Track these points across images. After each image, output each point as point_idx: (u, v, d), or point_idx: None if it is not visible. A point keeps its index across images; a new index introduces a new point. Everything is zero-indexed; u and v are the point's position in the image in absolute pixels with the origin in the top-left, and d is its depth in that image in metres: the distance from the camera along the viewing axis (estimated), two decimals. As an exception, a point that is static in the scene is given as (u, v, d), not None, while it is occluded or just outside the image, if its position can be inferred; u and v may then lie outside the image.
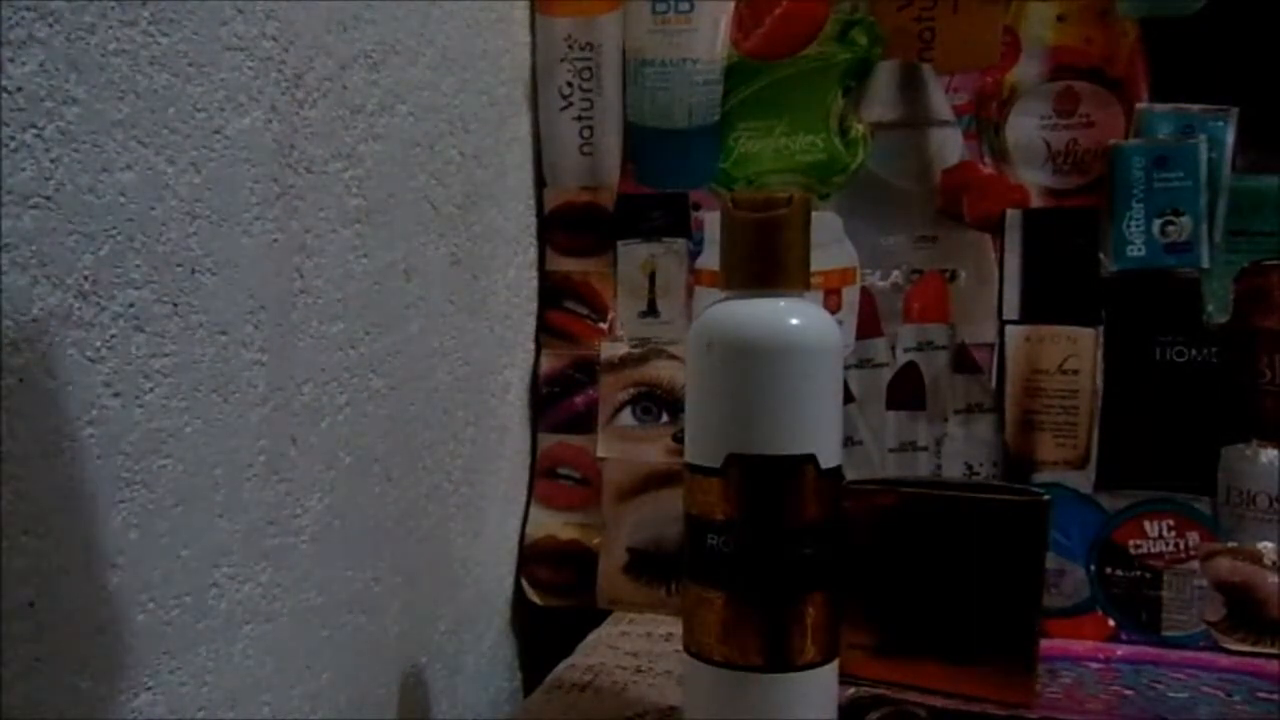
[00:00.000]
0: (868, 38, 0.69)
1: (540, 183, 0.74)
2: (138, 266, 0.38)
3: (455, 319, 0.62)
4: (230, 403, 0.43)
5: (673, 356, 0.72)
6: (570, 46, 0.73)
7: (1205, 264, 0.64)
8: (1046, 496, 0.48)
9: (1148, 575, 0.65)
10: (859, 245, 0.70)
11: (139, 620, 0.39)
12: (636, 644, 0.66)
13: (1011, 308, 0.67)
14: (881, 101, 0.69)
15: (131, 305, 0.38)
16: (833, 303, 0.70)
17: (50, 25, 0.34)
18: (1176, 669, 0.60)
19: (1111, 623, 0.65)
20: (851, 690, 0.51)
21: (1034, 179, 0.67)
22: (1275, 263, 0.63)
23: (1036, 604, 0.49)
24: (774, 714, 0.46)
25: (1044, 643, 0.50)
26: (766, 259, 0.46)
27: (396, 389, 0.56)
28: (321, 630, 0.50)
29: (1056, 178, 0.67)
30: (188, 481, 0.41)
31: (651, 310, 0.73)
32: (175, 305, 0.40)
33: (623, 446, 0.73)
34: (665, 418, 0.72)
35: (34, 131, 0.33)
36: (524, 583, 0.73)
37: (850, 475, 0.50)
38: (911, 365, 0.69)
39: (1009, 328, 0.67)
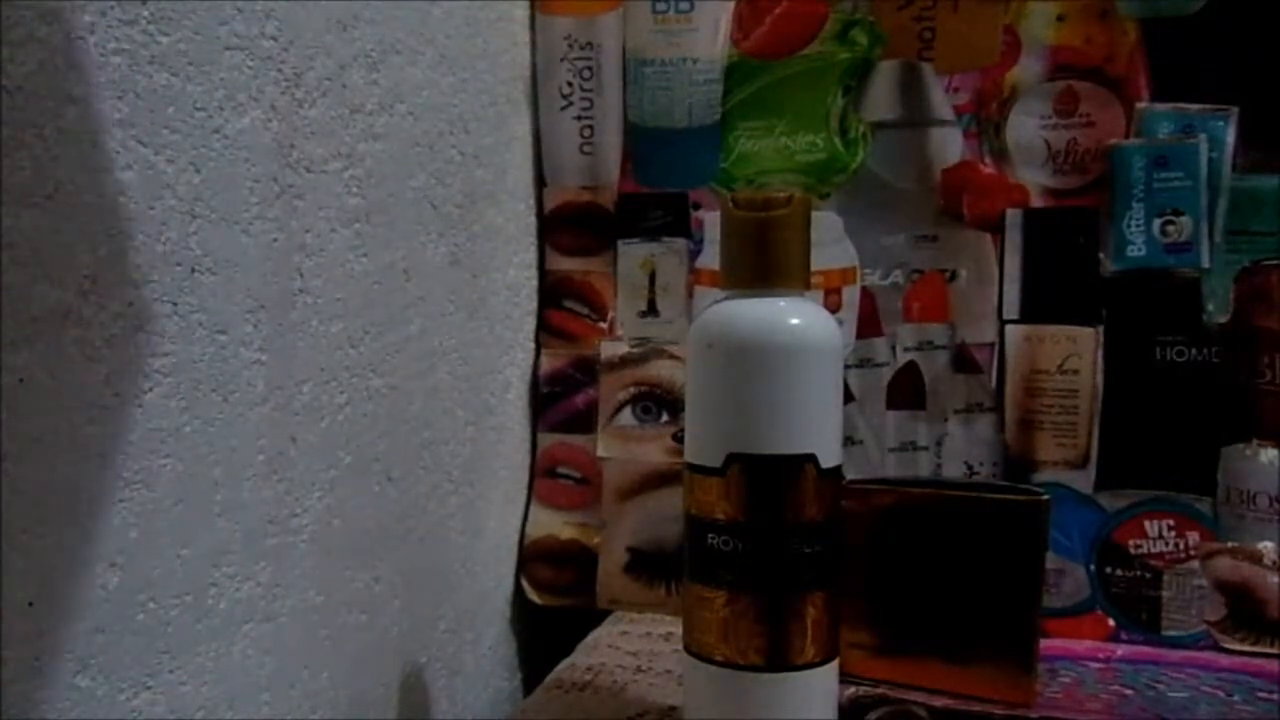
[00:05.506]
0: (868, 38, 0.69)
1: (540, 182, 0.74)
2: (137, 266, 0.38)
3: (455, 319, 0.62)
4: (230, 402, 0.43)
5: (673, 356, 0.72)
6: (570, 46, 0.73)
7: (1205, 264, 0.64)
8: (1046, 496, 0.48)
9: (1148, 575, 0.65)
10: (859, 245, 0.70)
11: (139, 620, 0.38)
12: (636, 644, 0.66)
13: (1011, 307, 0.67)
14: (881, 101, 0.69)
15: (131, 304, 0.38)
16: (833, 303, 0.70)
17: (50, 25, 0.34)
18: (1176, 669, 0.60)
19: (1111, 623, 0.65)
20: (852, 690, 0.51)
21: (1034, 179, 0.67)
22: (1275, 263, 0.63)
23: (1036, 604, 0.49)
24: (774, 714, 0.46)
25: (1044, 643, 0.50)
26: (766, 259, 0.46)
27: (396, 388, 0.56)
28: (321, 630, 0.50)
29: (1056, 177, 0.67)
30: (188, 481, 0.41)
31: (651, 310, 0.73)
32: (175, 304, 0.40)
33: (623, 446, 0.72)
34: (665, 417, 0.72)
35: (34, 131, 0.33)
36: (524, 582, 0.73)
37: (850, 475, 0.50)
38: (911, 365, 0.69)
39: (1009, 327, 0.67)
